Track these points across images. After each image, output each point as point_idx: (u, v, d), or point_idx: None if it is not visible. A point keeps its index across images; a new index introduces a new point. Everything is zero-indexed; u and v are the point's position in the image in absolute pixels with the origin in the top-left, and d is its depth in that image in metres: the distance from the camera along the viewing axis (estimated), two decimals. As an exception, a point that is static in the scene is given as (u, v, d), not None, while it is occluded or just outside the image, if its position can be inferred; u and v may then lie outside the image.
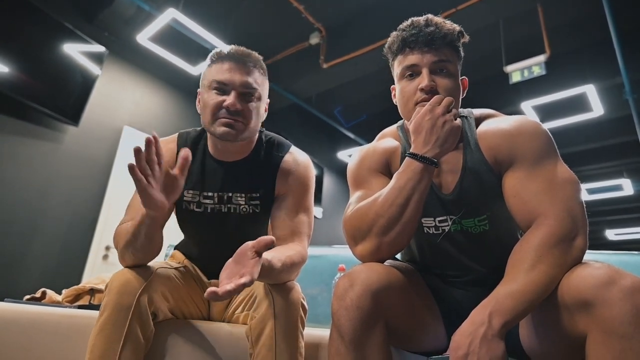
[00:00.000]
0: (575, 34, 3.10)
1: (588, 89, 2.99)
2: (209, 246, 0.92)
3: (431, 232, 0.78)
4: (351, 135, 4.43)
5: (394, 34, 0.77)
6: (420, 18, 0.75)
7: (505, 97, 3.53)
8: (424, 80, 0.71)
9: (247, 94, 0.82)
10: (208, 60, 0.87)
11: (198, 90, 0.89)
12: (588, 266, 0.56)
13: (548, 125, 3.35)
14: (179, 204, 0.89)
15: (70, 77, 2.50)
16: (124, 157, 2.86)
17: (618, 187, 4.89)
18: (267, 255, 0.66)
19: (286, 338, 0.71)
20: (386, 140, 0.84)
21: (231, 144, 0.85)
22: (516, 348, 0.67)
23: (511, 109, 3.41)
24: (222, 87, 0.82)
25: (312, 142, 4.62)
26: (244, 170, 0.87)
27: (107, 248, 2.71)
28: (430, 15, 0.75)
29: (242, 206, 0.86)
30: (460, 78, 0.76)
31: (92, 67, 2.60)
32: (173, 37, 2.66)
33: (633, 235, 7.22)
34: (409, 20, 0.76)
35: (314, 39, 3.20)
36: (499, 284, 0.60)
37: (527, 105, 3.22)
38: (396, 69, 0.77)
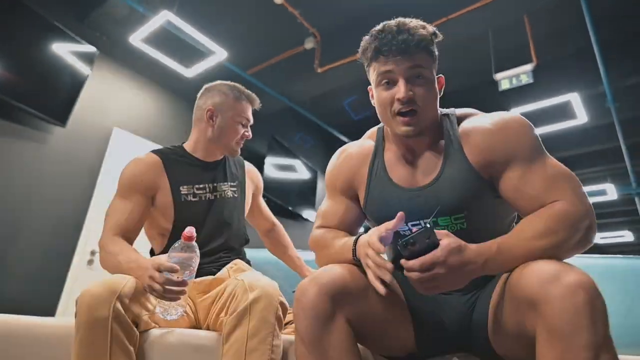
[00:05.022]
0: (560, 44, 3.19)
1: (573, 97, 3.08)
2: (201, 231, 1.01)
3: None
4: (345, 140, 4.44)
5: (366, 38, 0.74)
6: (392, 23, 0.71)
7: (494, 104, 3.55)
8: (400, 91, 0.69)
9: None
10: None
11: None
12: (539, 262, 0.55)
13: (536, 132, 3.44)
14: (178, 198, 1.02)
15: (58, 77, 2.45)
16: (113, 160, 2.81)
17: (603, 192, 5.02)
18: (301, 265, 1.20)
19: (257, 337, 0.71)
20: (365, 144, 0.85)
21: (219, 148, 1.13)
22: (490, 354, 0.67)
23: (500, 116, 3.47)
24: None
25: (306, 145, 4.63)
26: (224, 167, 1.13)
27: (93, 253, 2.64)
28: (401, 20, 0.72)
29: (226, 191, 1.09)
30: (436, 77, 0.74)
31: (82, 67, 2.56)
32: (166, 39, 2.64)
33: (618, 238, 7.41)
34: (381, 25, 0.72)
35: (309, 44, 3.22)
36: (506, 235, 0.62)
37: (516, 112, 3.28)
38: (371, 74, 0.75)
